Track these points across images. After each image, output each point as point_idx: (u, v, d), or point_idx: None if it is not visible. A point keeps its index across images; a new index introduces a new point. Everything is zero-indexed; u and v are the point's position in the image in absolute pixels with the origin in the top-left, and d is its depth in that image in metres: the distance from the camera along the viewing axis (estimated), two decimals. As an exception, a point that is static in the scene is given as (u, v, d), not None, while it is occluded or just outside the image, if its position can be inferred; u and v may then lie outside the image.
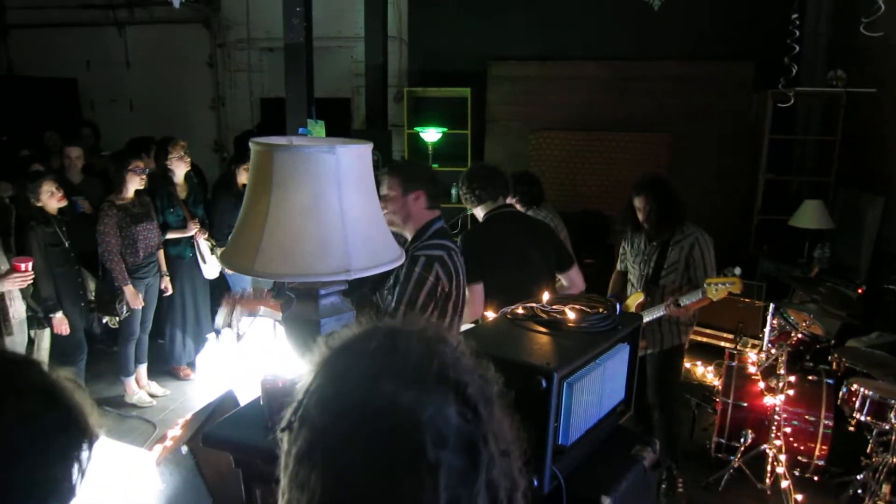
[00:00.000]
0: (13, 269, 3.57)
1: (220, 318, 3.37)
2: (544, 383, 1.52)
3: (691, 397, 4.43)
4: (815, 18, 6.51)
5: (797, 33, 4.03)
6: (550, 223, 3.98)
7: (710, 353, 5.27)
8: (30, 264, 3.62)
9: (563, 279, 3.43)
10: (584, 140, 6.66)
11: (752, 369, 3.92)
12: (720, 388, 3.94)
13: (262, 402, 1.64)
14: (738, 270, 3.31)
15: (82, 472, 0.86)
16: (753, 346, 4.64)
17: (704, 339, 5.40)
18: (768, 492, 3.60)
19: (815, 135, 6.49)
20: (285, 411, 0.75)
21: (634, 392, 1.97)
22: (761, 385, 3.80)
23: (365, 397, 0.69)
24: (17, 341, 3.79)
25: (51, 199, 4.01)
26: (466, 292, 2.76)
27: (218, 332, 4.29)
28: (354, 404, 0.69)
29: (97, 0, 8.13)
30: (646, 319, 3.39)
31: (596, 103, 6.75)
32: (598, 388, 1.73)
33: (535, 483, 1.56)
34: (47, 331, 4.36)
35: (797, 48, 4.07)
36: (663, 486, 3.60)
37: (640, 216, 3.54)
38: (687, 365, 5.36)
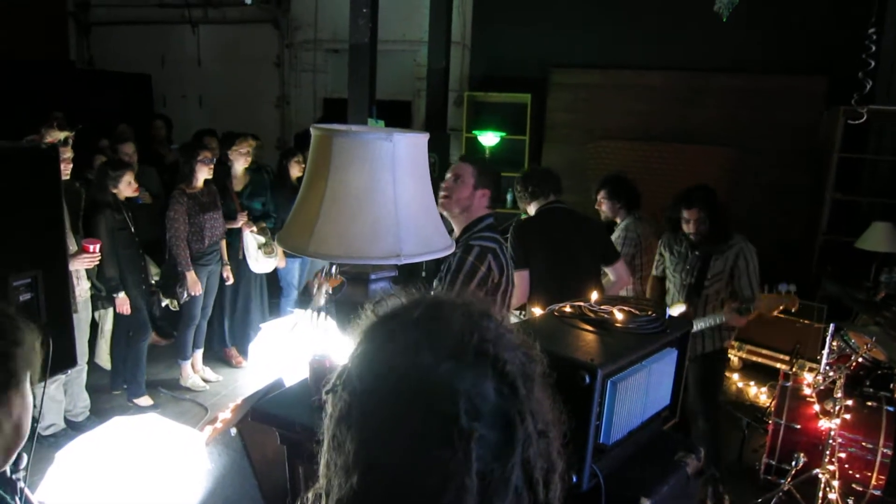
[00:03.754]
0: (82, 250, 3.76)
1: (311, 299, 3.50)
2: (587, 379, 1.52)
3: (742, 416, 4.30)
4: (893, 33, 6.25)
5: (873, 48, 3.89)
6: (634, 231, 4.05)
7: (764, 374, 5.11)
8: (97, 246, 3.80)
9: (609, 272, 3.49)
10: (643, 151, 6.57)
11: (807, 391, 3.78)
12: (773, 408, 3.82)
13: (309, 382, 1.69)
14: (792, 287, 3.27)
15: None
16: (811, 370, 4.48)
17: (760, 360, 5.24)
18: (819, 519, 3.46)
19: (888, 155, 6.22)
20: (332, 376, 0.78)
21: (680, 399, 1.94)
22: (816, 408, 3.66)
23: (404, 364, 0.71)
24: (81, 318, 3.98)
25: (127, 188, 4.23)
26: (519, 280, 2.82)
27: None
28: (393, 370, 0.71)
29: (174, -1, 8.51)
30: (698, 327, 3.35)
31: (657, 113, 6.64)
32: (643, 390, 1.71)
33: (574, 479, 1.56)
34: (111, 311, 4.58)
35: (872, 63, 3.92)
36: (709, 501, 3.52)
37: (689, 227, 3.50)
38: (740, 385, 5.21)
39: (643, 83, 6.73)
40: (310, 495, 0.78)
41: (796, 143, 6.35)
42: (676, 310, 3.55)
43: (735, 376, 5.25)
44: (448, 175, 2.65)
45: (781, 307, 3.25)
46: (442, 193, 2.58)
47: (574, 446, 1.50)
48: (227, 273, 4.94)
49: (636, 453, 1.74)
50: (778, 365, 4.87)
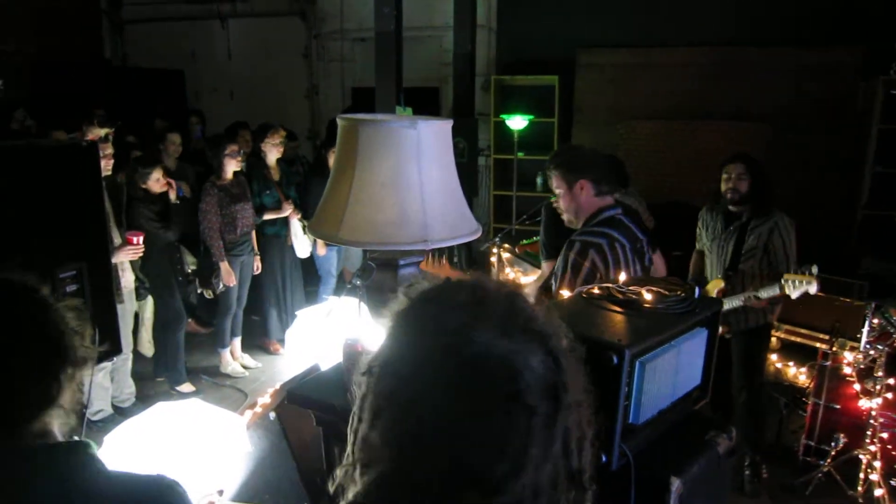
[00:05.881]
0: (126, 242, 3.88)
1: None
2: (615, 359, 1.53)
3: (780, 397, 4.25)
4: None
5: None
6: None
7: (803, 354, 5.02)
8: (141, 238, 3.91)
9: None
10: (674, 129, 6.46)
11: (847, 370, 3.72)
12: (812, 388, 3.76)
13: (343, 365, 1.74)
14: (815, 269, 3.17)
15: (60, 388, 1.00)
16: (851, 349, 4.39)
17: (798, 340, 5.14)
18: (860, 500, 3.41)
19: (931, 125, 6.01)
20: (366, 356, 0.80)
21: (712, 379, 1.94)
22: (857, 387, 3.60)
23: (459, 345, 0.73)
24: (126, 309, 4.11)
25: (155, 184, 4.33)
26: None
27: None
28: (447, 351, 0.73)
29: (203, -6, 8.63)
30: (727, 307, 3.31)
31: (687, 91, 6.52)
32: (673, 370, 1.72)
33: (604, 459, 1.58)
34: (150, 302, 4.72)
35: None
36: (746, 472, 3.50)
37: (727, 185, 3.43)
38: (778, 365, 5.14)
39: (672, 61, 6.61)
40: (339, 472, 0.81)
41: (833, 117, 6.18)
42: (715, 286, 3.52)
43: (773, 356, 5.17)
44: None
45: (806, 290, 3.16)
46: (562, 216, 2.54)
47: (603, 426, 1.52)
48: (258, 263, 5.04)
49: (666, 433, 1.75)
50: (817, 344, 4.77)
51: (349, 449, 0.80)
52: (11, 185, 2.25)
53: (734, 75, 6.44)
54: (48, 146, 2.60)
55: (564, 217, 2.56)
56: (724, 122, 6.30)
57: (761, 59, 6.36)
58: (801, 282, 3.14)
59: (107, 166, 3.90)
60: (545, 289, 2.90)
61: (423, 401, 0.73)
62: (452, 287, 0.81)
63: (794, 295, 3.18)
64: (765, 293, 3.26)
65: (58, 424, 1.02)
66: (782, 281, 3.19)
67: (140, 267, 4.31)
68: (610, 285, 1.88)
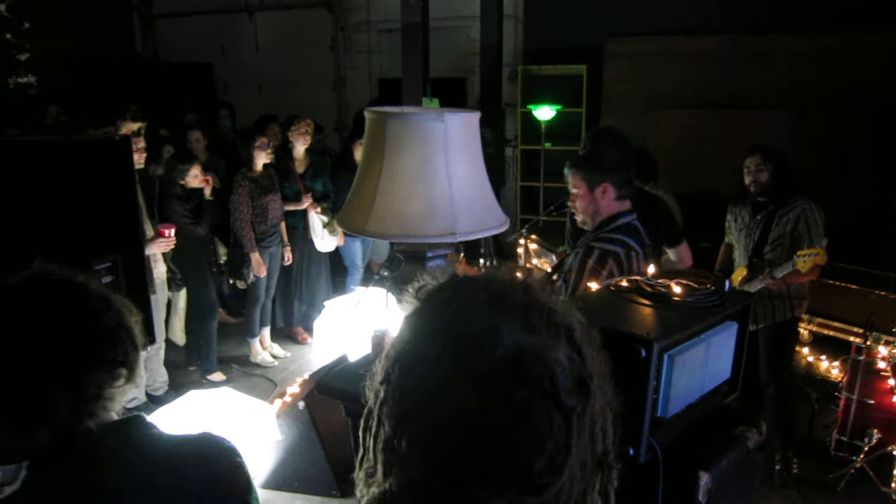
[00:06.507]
0: (158, 234, 3.95)
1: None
2: (643, 353, 1.53)
3: (812, 391, 4.18)
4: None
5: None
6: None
7: (836, 348, 4.93)
8: (173, 230, 3.99)
9: (671, 254, 3.40)
10: (704, 118, 6.35)
11: (882, 365, 3.64)
12: (845, 382, 3.69)
13: (371, 357, 1.75)
14: (824, 241, 3.20)
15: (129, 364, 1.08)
16: (886, 343, 4.29)
17: (831, 333, 5.05)
18: (893, 496, 3.35)
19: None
20: (379, 363, 0.78)
21: (742, 372, 1.92)
22: (892, 382, 3.52)
23: (489, 347, 0.71)
24: (159, 299, 4.19)
25: (193, 179, 4.41)
26: None
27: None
28: (477, 354, 0.71)
29: (231, -12, 8.71)
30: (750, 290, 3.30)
31: (718, 79, 6.40)
32: (702, 364, 1.70)
33: (632, 452, 1.57)
34: (183, 292, 4.81)
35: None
36: (777, 467, 3.46)
37: (749, 177, 3.43)
38: (810, 359, 5.05)
39: (702, 48, 6.49)
40: (360, 474, 0.80)
41: (865, 104, 6.01)
42: (738, 274, 3.51)
43: (805, 350, 5.09)
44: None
45: (814, 262, 3.15)
46: (575, 215, 2.44)
47: (631, 419, 1.51)
48: (287, 254, 5.10)
49: (695, 427, 1.74)
50: (851, 338, 4.69)
51: (366, 451, 0.78)
52: (49, 179, 2.31)
53: (764, 62, 6.30)
54: (84, 141, 2.65)
55: (578, 218, 2.44)
56: (754, 110, 6.18)
57: (791, 46, 6.20)
58: (810, 255, 3.13)
59: (139, 160, 3.97)
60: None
61: (454, 403, 0.71)
62: (466, 284, 0.79)
63: (804, 269, 3.17)
64: (779, 272, 3.28)
65: (116, 405, 1.08)
66: (795, 257, 3.19)
67: (173, 258, 4.39)
68: (638, 278, 1.87)
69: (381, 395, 0.76)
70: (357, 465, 0.81)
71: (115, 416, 1.08)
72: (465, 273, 0.82)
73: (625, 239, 2.34)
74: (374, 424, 0.77)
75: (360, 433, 0.79)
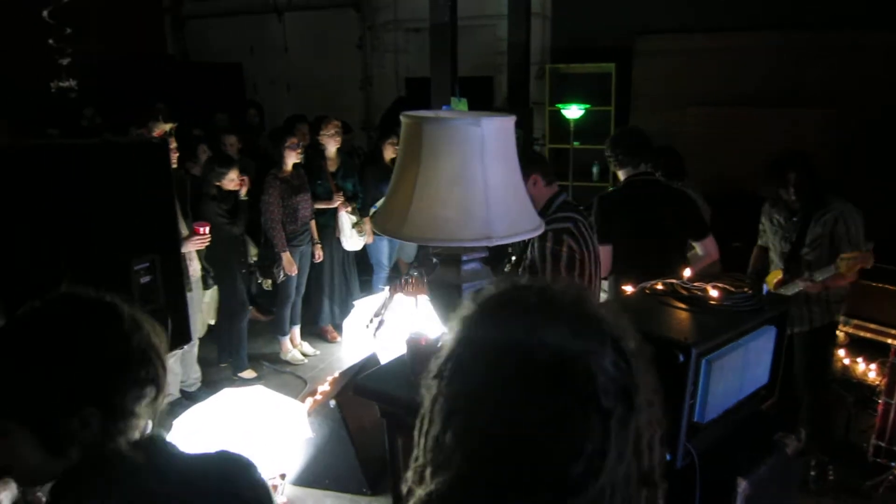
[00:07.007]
0: (193, 233, 4.02)
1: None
2: (681, 358, 1.52)
3: (849, 395, 4.10)
4: None
5: None
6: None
7: (873, 350, 4.83)
8: (207, 228, 4.06)
9: (698, 247, 3.39)
10: (735, 116, 6.25)
11: (922, 368, 3.55)
12: (883, 386, 3.61)
13: (406, 359, 1.77)
14: (870, 244, 3.15)
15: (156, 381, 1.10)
16: (927, 345, 4.19)
17: (868, 335, 4.95)
18: (934, 503, 3.27)
19: None
20: (435, 361, 0.81)
21: (780, 377, 1.89)
22: (933, 386, 3.44)
23: (533, 347, 0.74)
24: (194, 297, 4.26)
25: (230, 183, 4.49)
26: (599, 257, 2.82)
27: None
28: (521, 354, 0.74)
29: (260, -12, 8.79)
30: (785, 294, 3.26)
31: (750, 77, 6.29)
32: (740, 369, 1.69)
33: (669, 457, 1.57)
34: (214, 290, 4.88)
35: None
36: (812, 472, 3.41)
37: (787, 194, 3.39)
38: (846, 361, 4.95)
39: (733, 45, 6.38)
40: (409, 474, 0.82)
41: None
42: (774, 277, 3.46)
43: (841, 352, 4.99)
44: None
45: (858, 265, 3.09)
46: None
47: (668, 424, 1.50)
48: (318, 252, 5.14)
49: (733, 433, 1.73)
50: (889, 340, 4.59)
51: (418, 451, 0.81)
52: (89, 181, 2.36)
53: (798, 59, 6.18)
54: (122, 143, 2.71)
55: None
56: (787, 108, 6.06)
57: (822, 42, 6.07)
58: (852, 258, 3.07)
59: (172, 160, 4.03)
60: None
61: (497, 403, 0.74)
62: (520, 290, 0.81)
63: (848, 272, 3.11)
64: (820, 275, 3.21)
65: (143, 423, 1.10)
66: (838, 260, 3.12)
67: (205, 257, 4.46)
68: (674, 281, 1.85)
69: (434, 390, 0.80)
70: (410, 463, 0.83)
71: (139, 435, 1.09)
72: (524, 281, 0.84)
73: (568, 214, 2.64)
74: (426, 422, 0.80)
75: (415, 433, 0.82)
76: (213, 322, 5.01)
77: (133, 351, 1.06)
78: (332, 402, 3.37)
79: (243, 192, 4.60)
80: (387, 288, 4.49)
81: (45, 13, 4.95)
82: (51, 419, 1.00)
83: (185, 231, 4.05)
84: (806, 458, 3.33)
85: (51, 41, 4.98)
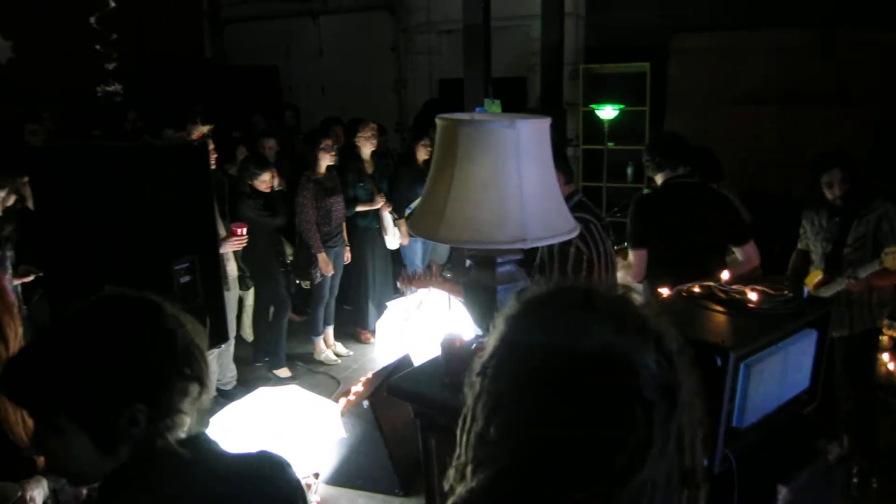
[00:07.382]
0: (231, 233, 4.10)
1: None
2: (719, 362, 1.50)
3: (893, 401, 3.98)
4: None
5: None
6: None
7: (919, 355, 4.67)
8: (245, 229, 4.13)
9: (738, 252, 3.29)
10: (774, 115, 6.12)
11: (972, 375, 3.44)
12: (930, 392, 3.50)
13: (441, 360, 1.78)
14: None
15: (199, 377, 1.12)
16: (977, 350, 4.05)
17: (914, 339, 4.80)
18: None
19: None
20: (478, 359, 0.83)
21: (822, 382, 1.85)
22: (984, 393, 3.32)
23: (577, 344, 0.75)
24: (231, 297, 4.34)
25: (262, 185, 4.56)
26: (613, 260, 2.82)
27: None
28: (564, 351, 0.75)
29: (296, -8, 8.91)
30: (827, 294, 3.17)
31: (788, 75, 6.14)
32: (779, 373, 1.66)
33: (706, 462, 1.54)
34: (252, 290, 4.96)
35: None
36: (854, 480, 3.32)
37: (833, 192, 3.29)
38: (890, 366, 4.81)
39: (770, 43, 6.24)
40: (451, 472, 0.84)
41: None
42: (813, 277, 3.37)
43: (885, 356, 4.84)
44: None
45: None
46: None
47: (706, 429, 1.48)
48: (347, 254, 5.20)
49: (772, 438, 1.69)
50: (935, 345, 4.44)
51: (460, 449, 0.83)
52: (131, 183, 2.43)
53: (837, 56, 6.01)
54: (163, 146, 2.78)
55: None
56: (827, 106, 5.91)
57: (858, 40, 5.89)
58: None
59: (211, 162, 4.11)
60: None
61: (541, 398, 0.75)
62: (565, 290, 0.83)
63: (893, 266, 3.01)
64: (863, 271, 3.12)
65: (188, 420, 1.13)
66: (882, 255, 3.03)
67: (243, 257, 4.54)
68: (712, 284, 1.83)
69: (477, 388, 0.81)
70: (452, 461, 0.84)
71: (184, 433, 1.12)
72: (568, 282, 0.85)
73: (581, 214, 2.59)
74: (469, 420, 0.82)
75: (457, 431, 0.83)
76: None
77: (177, 348, 1.08)
78: (366, 403, 3.40)
79: (276, 183, 4.66)
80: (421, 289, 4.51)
81: (92, 19, 5.10)
82: (102, 416, 1.03)
83: (223, 232, 4.13)
84: (848, 464, 3.25)
85: (98, 46, 5.12)
